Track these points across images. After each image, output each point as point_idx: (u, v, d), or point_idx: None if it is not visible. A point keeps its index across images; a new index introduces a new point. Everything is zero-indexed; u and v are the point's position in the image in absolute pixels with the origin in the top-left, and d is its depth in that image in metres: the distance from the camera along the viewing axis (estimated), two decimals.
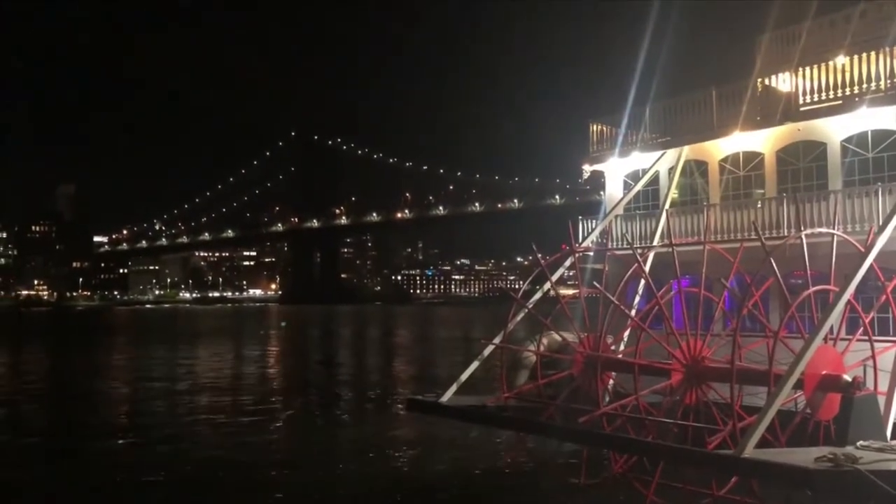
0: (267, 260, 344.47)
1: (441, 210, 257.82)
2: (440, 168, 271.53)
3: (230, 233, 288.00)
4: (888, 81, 16.40)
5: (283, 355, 64.87)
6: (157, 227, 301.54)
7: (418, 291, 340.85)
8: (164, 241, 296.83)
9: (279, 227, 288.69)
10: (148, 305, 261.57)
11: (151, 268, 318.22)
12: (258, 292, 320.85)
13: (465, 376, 17.35)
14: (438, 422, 21.39)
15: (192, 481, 19.74)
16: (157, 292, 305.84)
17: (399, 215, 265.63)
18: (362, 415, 31.42)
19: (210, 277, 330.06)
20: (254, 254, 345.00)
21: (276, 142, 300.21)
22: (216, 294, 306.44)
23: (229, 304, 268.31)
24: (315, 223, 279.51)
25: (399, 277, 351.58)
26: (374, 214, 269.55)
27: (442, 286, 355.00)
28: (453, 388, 17.10)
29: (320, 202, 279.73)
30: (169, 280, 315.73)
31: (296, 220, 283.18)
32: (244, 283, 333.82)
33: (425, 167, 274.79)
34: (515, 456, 20.48)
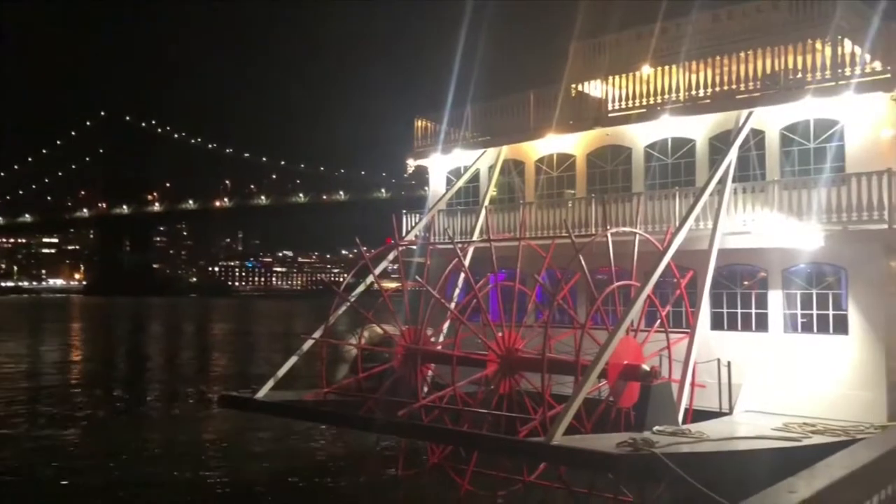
0: (70, 248, 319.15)
1: (263, 200, 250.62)
2: (263, 156, 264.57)
3: (28, 217, 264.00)
4: (686, 93, 17.82)
5: (87, 351, 60.47)
6: None
7: (237, 283, 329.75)
8: None
9: (84, 212, 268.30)
10: None
11: None
12: (59, 282, 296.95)
13: (282, 371, 16.98)
14: (255, 418, 20.80)
15: None
16: None
17: (218, 204, 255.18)
18: (173, 413, 29.92)
19: (3, 265, 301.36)
20: (55, 241, 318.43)
21: (82, 121, 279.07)
22: (10, 284, 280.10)
23: (25, 295, 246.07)
24: (125, 209, 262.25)
25: (217, 269, 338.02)
26: (191, 202, 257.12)
27: (263, 278, 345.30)
28: (270, 383, 16.69)
29: (131, 187, 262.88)
30: None
31: (103, 205, 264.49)
32: (43, 272, 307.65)
33: (247, 154, 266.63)
34: (334, 450, 20.34)
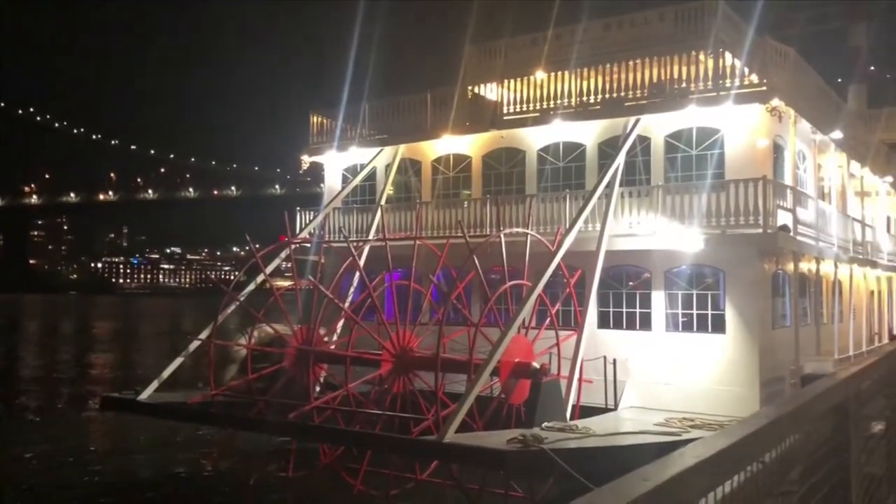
0: None
1: (150, 194, 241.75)
2: (151, 148, 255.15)
3: None
4: (577, 99, 18.31)
5: None
6: None
7: (121, 281, 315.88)
8: None
9: None
10: None
11: None
12: None
13: (167, 372, 16.43)
14: (138, 421, 19.97)
15: None
16: None
17: (101, 197, 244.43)
18: (51, 416, 28.35)
19: None
20: None
21: None
22: None
23: None
24: None
25: (99, 265, 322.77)
26: (72, 195, 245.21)
27: (149, 276, 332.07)
28: (154, 384, 16.12)
29: (6, 178, 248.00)
30: None
31: None
32: None
33: (134, 147, 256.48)
34: (221, 453, 19.77)
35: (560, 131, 18.70)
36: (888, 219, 29.80)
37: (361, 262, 17.16)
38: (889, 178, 27.20)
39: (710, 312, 16.32)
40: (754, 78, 16.67)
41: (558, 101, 18.49)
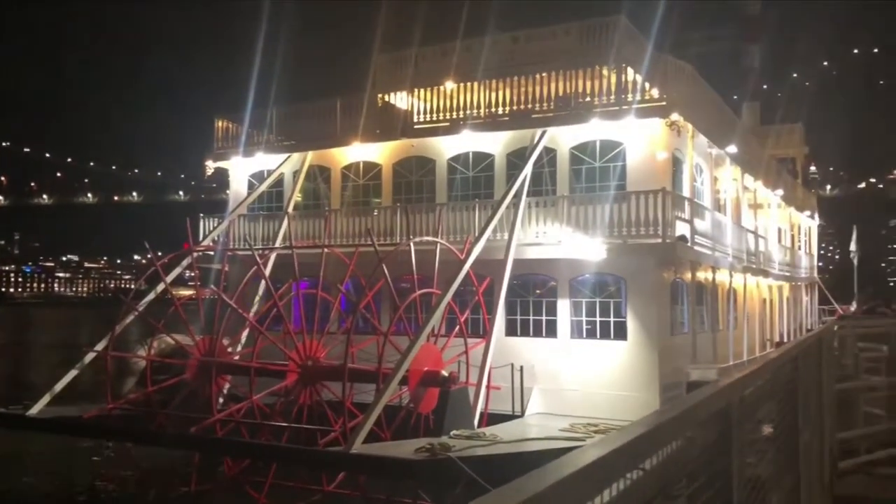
0: None
1: (45, 199, 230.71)
2: (46, 152, 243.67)
3: None
4: (486, 110, 18.52)
5: None
6: None
7: (12, 290, 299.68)
8: None
9: None
10: None
11: None
12: None
13: (60, 385, 15.73)
14: (29, 437, 18.95)
15: None
16: None
17: None
18: None
19: None
20: None
21: None
22: None
23: None
24: None
25: None
26: None
27: (43, 285, 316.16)
28: (45, 398, 15.39)
29: None
30: None
31: None
32: None
33: (27, 149, 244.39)
34: (119, 468, 18.97)
35: (470, 141, 18.86)
36: (779, 230, 31.36)
37: (267, 271, 16.83)
38: (780, 192, 28.66)
39: (612, 320, 16.75)
40: (655, 93, 17.25)
41: (468, 112, 18.65)
